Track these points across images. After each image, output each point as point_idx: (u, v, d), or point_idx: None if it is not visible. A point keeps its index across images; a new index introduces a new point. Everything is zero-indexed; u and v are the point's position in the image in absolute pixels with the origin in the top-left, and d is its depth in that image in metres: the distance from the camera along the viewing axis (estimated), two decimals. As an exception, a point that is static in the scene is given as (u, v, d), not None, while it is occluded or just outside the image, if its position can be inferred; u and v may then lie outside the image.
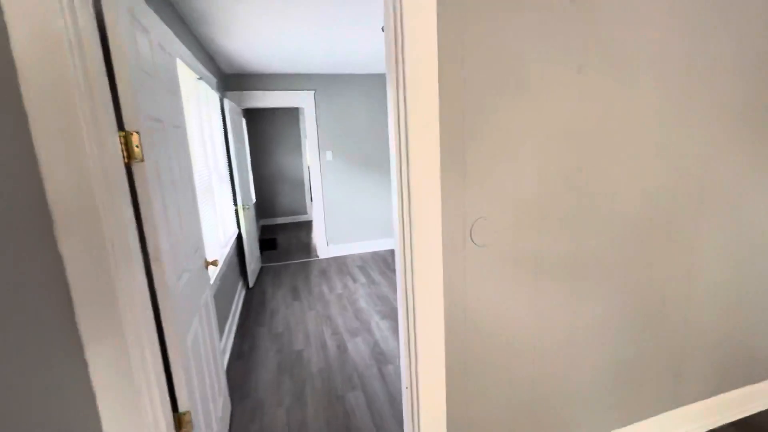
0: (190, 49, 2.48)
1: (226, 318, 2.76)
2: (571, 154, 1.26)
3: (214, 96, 3.31)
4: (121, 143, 0.97)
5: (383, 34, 3.02)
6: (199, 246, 1.67)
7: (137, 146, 1.01)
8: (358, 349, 2.57)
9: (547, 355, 1.39)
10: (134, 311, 0.94)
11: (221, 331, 2.53)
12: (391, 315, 3.05)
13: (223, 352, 2.48)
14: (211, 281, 2.25)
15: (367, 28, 2.78)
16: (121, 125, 1.00)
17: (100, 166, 0.85)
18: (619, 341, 1.49)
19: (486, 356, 1.31)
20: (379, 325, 2.88)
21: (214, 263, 1.76)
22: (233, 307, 3.07)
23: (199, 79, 2.75)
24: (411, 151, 1.07)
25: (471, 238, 1.20)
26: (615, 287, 1.42)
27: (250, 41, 2.97)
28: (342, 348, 2.59)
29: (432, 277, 1.15)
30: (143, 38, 1.21)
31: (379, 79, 4.64)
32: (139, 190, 1.04)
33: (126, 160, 0.99)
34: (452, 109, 1.11)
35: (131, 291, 0.93)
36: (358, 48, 3.37)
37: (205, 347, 1.58)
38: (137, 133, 1.01)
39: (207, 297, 1.73)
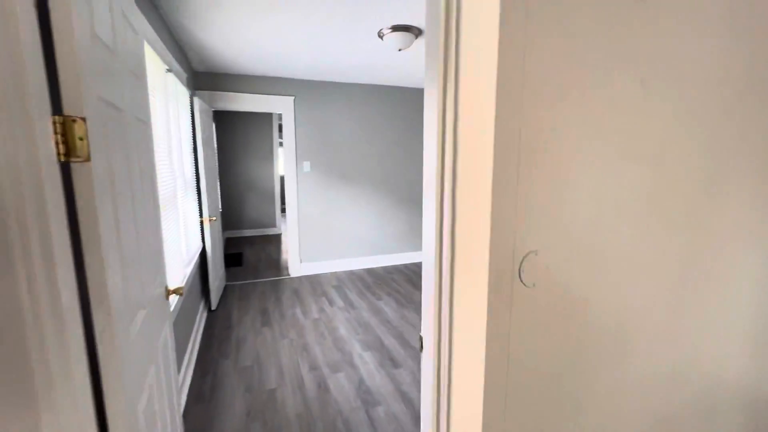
0: (159, 35, 2.14)
1: (185, 349, 2.35)
2: (628, 181, 1.07)
3: (184, 93, 2.95)
4: (55, 132, 0.66)
5: (380, 40, 2.83)
6: (159, 271, 1.33)
7: (81, 138, 0.70)
8: (341, 387, 2.25)
9: (586, 413, 1.17)
10: (61, 382, 0.62)
11: (178, 366, 2.13)
12: (374, 345, 2.75)
13: (179, 392, 2.08)
14: (171, 308, 1.87)
15: (360, 35, 2.56)
16: (58, 107, 0.69)
17: (15, 164, 0.55)
18: (658, 394, 1.31)
19: (525, 412, 1.07)
20: (363, 358, 2.58)
21: (178, 291, 1.42)
22: (193, 335, 2.65)
23: (168, 71, 2.40)
24: (459, 171, 0.83)
25: (519, 276, 0.97)
26: (659, 341, 1.24)
27: (229, 37, 2.66)
28: (322, 386, 2.25)
29: (475, 328, 0.90)
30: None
31: (366, 90, 4.43)
32: (80, 202, 0.72)
33: (63, 157, 0.68)
34: (506, 122, 0.89)
35: (58, 351, 0.61)
36: (347, 55, 3.15)
37: (161, 403, 1.23)
38: (83, 120, 0.71)
39: (166, 335, 1.38)
